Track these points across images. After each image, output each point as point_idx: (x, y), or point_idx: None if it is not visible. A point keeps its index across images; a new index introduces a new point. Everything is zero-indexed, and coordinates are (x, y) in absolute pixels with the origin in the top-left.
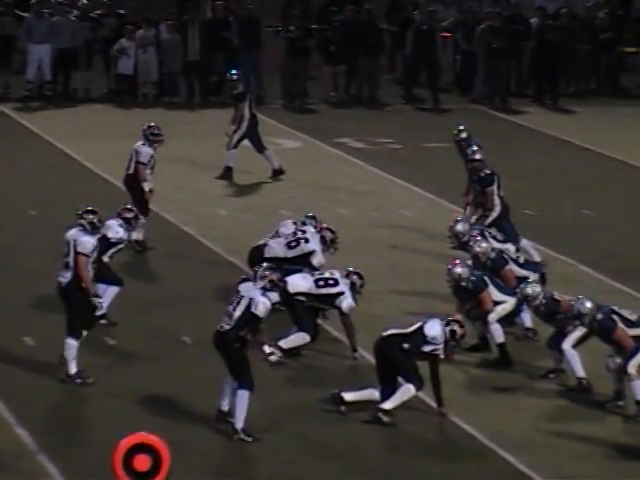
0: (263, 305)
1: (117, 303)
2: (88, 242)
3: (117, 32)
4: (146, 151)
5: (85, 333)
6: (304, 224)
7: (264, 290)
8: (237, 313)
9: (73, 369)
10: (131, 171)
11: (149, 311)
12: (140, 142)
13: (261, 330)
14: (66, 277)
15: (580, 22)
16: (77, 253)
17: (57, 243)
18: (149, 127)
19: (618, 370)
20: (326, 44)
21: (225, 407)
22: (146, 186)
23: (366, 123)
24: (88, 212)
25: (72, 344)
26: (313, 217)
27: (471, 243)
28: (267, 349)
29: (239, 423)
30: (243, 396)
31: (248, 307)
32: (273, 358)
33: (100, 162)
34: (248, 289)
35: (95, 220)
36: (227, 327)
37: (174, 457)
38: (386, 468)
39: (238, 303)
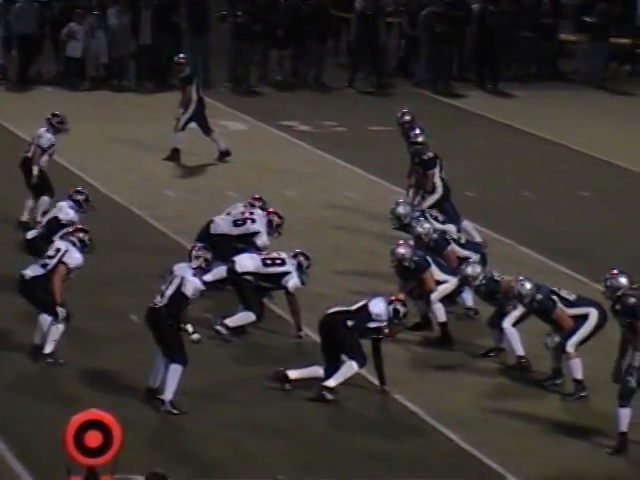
0: (192, 285)
1: (67, 282)
2: (77, 259)
3: (66, 15)
4: (48, 137)
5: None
6: (252, 206)
7: (199, 269)
8: (169, 292)
9: (50, 349)
10: (29, 154)
11: (97, 290)
12: (44, 128)
13: (187, 310)
14: (35, 272)
15: (521, 8)
16: (62, 262)
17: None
18: (55, 115)
19: (557, 349)
20: (273, 28)
21: (155, 384)
22: (35, 169)
23: (311, 106)
24: (80, 230)
25: (59, 327)
26: (260, 199)
27: (413, 224)
28: (190, 328)
29: (168, 395)
30: (176, 370)
31: (179, 286)
32: (195, 337)
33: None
34: (181, 269)
35: (86, 239)
36: (159, 304)
37: (123, 433)
38: (329, 445)
39: (171, 282)
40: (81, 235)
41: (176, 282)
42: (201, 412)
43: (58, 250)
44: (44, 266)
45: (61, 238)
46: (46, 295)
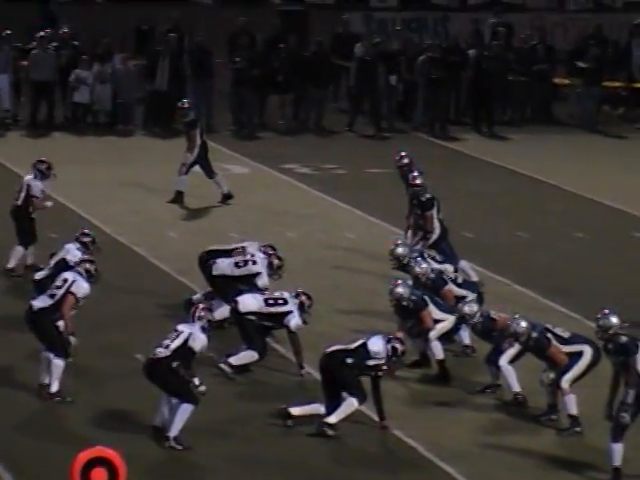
0: (200, 341)
1: (73, 321)
2: (85, 288)
3: (73, 62)
4: (38, 186)
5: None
6: (265, 252)
7: (203, 329)
8: (174, 345)
9: (55, 387)
10: (19, 203)
11: (103, 329)
12: (31, 176)
13: (192, 366)
14: (44, 303)
15: (515, 53)
16: (69, 292)
17: None
18: (41, 162)
19: (552, 385)
20: (274, 74)
21: (160, 423)
22: (48, 204)
23: (312, 150)
24: (86, 261)
25: (60, 364)
26: (271, 246)
27: (412, 264)
28: (197, 381)
29: (174, 432)
30: (186, 409)
31: (186, 340)
32: (202, 389)
33: (56, 187)
34: (187, 326)
35: (92, 269)
36: (161, 355)
37: (129, 470)
38: (330, 478)
39: (177, 336)
40: (87, 266)
41: (183, 336)
42: (205, 447)
43: (65, 280)
44: (52, 297)
45: (68, 270)
46: (52, 328)
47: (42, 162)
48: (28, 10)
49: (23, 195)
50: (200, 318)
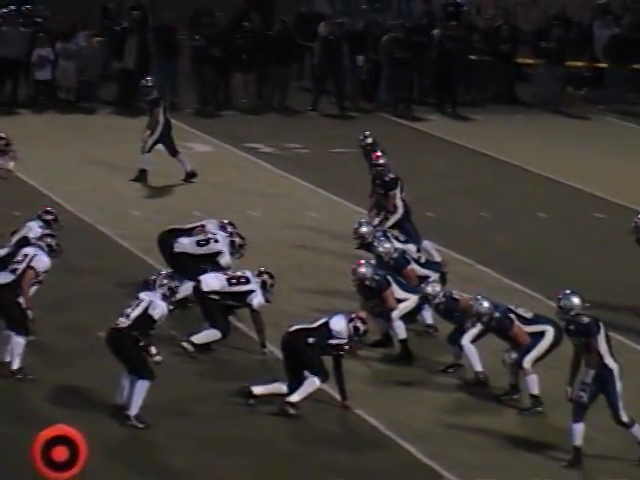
0: (161, 309)
1: (36, 299)
2: (45, 262)
3: (35, 40)
4: None
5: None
6: (222, 228)
7: (163, 297)
8: (135, 313)
9: (17, 365)
10: None
11: (66, 307)
12: None
13: (151, 333)
14: (6, 278)
15: (479, 34)
16: (30, 267)
17: None
18: (0, 138)
19: (514, 365)
20: (238, 52)
21: (121, 401)
22: (10, 165)
23: (276, 129)
24: (47, 236)
25: (20, 341)
26: (230, 223)
27: (375, 244)
28: (153, 350)
29: (134, 410)
30: (143, 386)
31: (146, 309)
32: (158, 358)
33: (19, 165)
34: (148, 295)
35: (53, 244)
36: (122, 325)
37: (90, 448)
38: (292, 458)
39: (137, 305)
40: (49, 240)
41: (143, 305)
42: (166, 426)
43: (26, 255)
44: (13, 272)
45: (29, 244)
46: (14, 305)
47: (1, 138)
48: None
49: None
50: (161, 286)
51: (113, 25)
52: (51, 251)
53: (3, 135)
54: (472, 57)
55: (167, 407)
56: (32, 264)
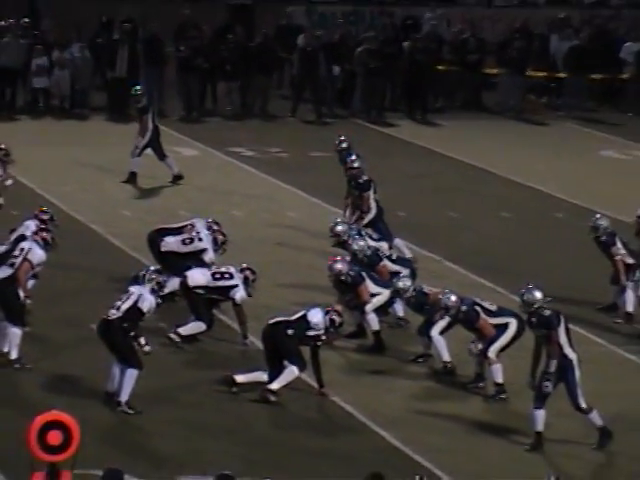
0: (149, 302)
1: (32, 293)
2: (40, 255)
3: (31, 51)
4: None
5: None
6: (210, 228)
7: (152, 291)
8: (125, 306)
9: (15, 355)
10: None
11: (60, 301)
12: None
13: (140, 325)
14: (5, 272)
15: (448, 45)
16: (26, 260)
17: None
18: (0, 149)
19: (479, 355)
20: (221, 63)
21: (112, 388)
22: (8, 182)
23: (257, 134)
24: (42, 230)
25: (17, 332)
26: (215, 222)
27: (349, 242)
28: (142, 340)
29: (124, 397)
30: (132, 374)
31: (136, 302)
32: (147, 348)
33: (17, 167)
34: (138, 288)
35: (49, 238)
36: (113, 317)
37: (83, 433)
38: (272, 442)
39: (128, 298)
40: (44, 234)
41: (133, 298)
42: (154, 412)
43: (22, 249)
44: (12, 265)
45: (26, 239)
46: (13, 297)
47: (0, 149)
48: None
49: None
50: (150, 280)
51: (106, 37)
52: (46, 244)
53: (3, 146)
54: (441, 67)
55: (155, 394)
56: (28, 257)
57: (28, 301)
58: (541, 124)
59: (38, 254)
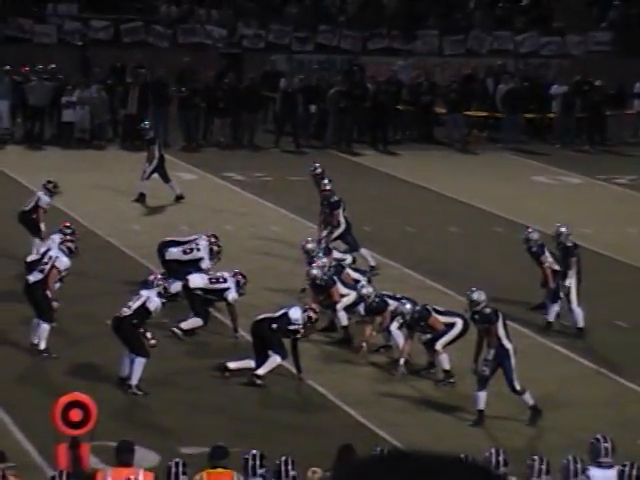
0: (155, 303)
1: (58, 294)
2: (65, 262)
3: (59, 91)
4: (47, 200)
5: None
6: (207, 237)
7: (159, 294)
8: (135, 305)
9: (43, 345)
10: (27, 209)
11: (81, 301)
12: (42, 192)
13: (146, 323)
14: (36, 277)
15: (406, 88)
16: (54, 266)
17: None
18: (49, 182)
19: (426, 344)
20: (216, 102)
21: (124, 374)
22: (42, 226)
23: (246, 161)
24: (67, 240)
25: (46, 327)
26: (214, 236)
27: (316, 260)
28: (149, 335)
29: (134, 381)
30: (140, 362)
31: (145, 302)
32: (153, 342)
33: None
34: (147, 291)
35: (73, 247)
36: (124, 314)
37: (99, 411)
38: (258, 419)
39: (138, 299)
40: (69, 244)
41: (142, 299)
42: (160, 394)
43: (50, 257)
44: (42, 271)
45: (53, 248)
46: (43, 298)
47: (50, 182)
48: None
49: (32, 203)
50: (157, 285)
51: (118, 80)
52: (70, 252)
53: (52, 179)
54: (399, 107)
55: (160, 379)
56: (55, 264)
57: (56, 303)
58: (483, 154)
59: (64, 261)
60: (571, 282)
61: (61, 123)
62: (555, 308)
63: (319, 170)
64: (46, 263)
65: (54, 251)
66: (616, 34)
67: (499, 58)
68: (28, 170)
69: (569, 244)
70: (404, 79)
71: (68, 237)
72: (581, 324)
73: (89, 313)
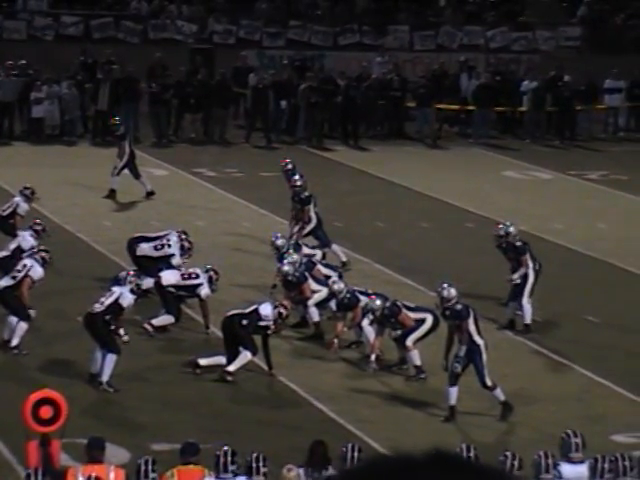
0: (128, 300)
1: (29, 292)
2: (39, 272)
3: (28, 87)
4: (25, 208)
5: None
6: (176, 234)
7: (131, 291)
8: (107, 301)
9: (16, 342)
10: (4, 214)
11: (52, 297)
12: (19, 198)
13: (120, 318)
14: (7, 282)
15: (377, 83)
16: (27, 275)
17: None
18: (26, 188)
19: (397, 340)
20: (187, 97)
21: (95, 370)
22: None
23: (216, 157)
24: (42, 250)
25: (24, 326)
26: (184, 232)
27: (285, 257)
28: (122, 331)
29: (105, 377)
30: (111, 358)
31: (117, 299)
32: (126, 338)
33: (15, 186)
34: (119, 288)
35: (47, 257)
36: (97, 310)
37: (70, 408)
38: (229, 415)
39: (110, 295)
40: (43, 254)
41: (115, 295)
42: (131, 390)
43: (25, 266)
44: (14, 278)
45: (28, 256)
46: (16, 301)
47: (27, 188)
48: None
49: (10, 210)
50: (130, 282)
51: (90, 76)
52: (44, 263)
53: (29, 185)
54: (370, 102)
55: (131, 375)
56: (29, 274)
57: (32, 312)
58: (453, 149)
59: (38, 271)
60: (523, 278)
61: (31, 119)
62: (528, 310)
63: (290, 166)
64: (20, 271)
65: (29, 260)
66: (586, 29)
67: (470, 53)
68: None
69: (518, 244)
70: (378, 74)
71: (43, 247)
72: (528, 320)
73: (59, 309)
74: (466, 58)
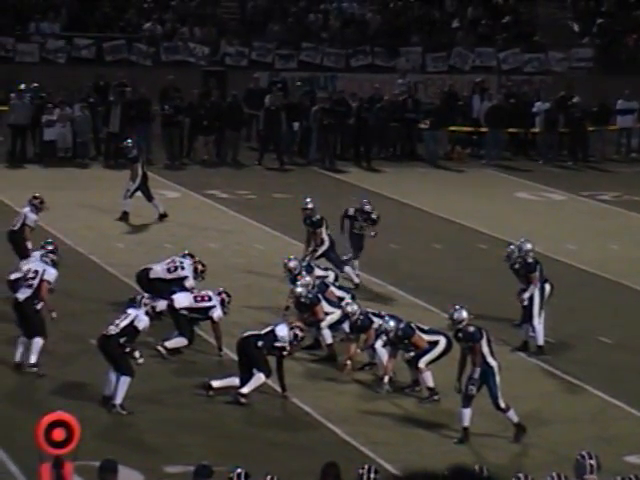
0: (144, 322)
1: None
2: (53, 273)
3: (41, 109)
4: (33, 218)
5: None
6: (184, 257)
7: (146, 313)
8: (123, 324)
9: (34, 360)
10: (15, 228)
11: (66, 320)
12: (28, 208)
13: (134, 342)
14: (25, 293)
15: (389, 105)
16: (43, 280)
17: None
18: (35, 197)
19: (410, 361)
20: (200, 119)
21: (109, 392)
22: (29, 244)
23: (229, 179)
24: (51, 252)
25: (39, 341)
26: (190, 255)
27: (299, 277)
28: (137, 354)
29: (118, 400)
30: (125, 381)
31: (133, 321)
32: (140, 360)
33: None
34: (134, 310)
35: (56, 258)
36: (111, 332)
37: (83, 430)
38: (243, 437)
39: (126, 317)
40: (52, 255)
41: (130, 318)
42: (144, 412)
43: (36, 271)
44: (30, 287)
45: (36, 262)
46: (34, 313)
47: (36, 197)
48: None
49: (19, 222)
50: (145, 305)
51: (102, 98)
52: (54, 263)
53: (38, 195)
54: (383, 123)
55: (145, 397)
56: (45, 277)
57: (54, 314)
58: (466, 170)
59: (52, 273)
60: (532, 297)
61: (43, 142)
62: (540, 332)
63: (310, 205)
64: (33, 278)
65: (39, 265)
66: (598, 50)
67: (482, 74)
68: (10, 189)
69: (530, 260)
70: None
71: (49, 247)
72: (541, 342)
73: (72, 332)
74: (481, 79)
